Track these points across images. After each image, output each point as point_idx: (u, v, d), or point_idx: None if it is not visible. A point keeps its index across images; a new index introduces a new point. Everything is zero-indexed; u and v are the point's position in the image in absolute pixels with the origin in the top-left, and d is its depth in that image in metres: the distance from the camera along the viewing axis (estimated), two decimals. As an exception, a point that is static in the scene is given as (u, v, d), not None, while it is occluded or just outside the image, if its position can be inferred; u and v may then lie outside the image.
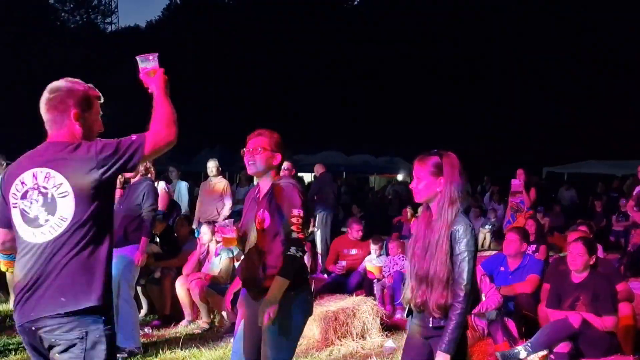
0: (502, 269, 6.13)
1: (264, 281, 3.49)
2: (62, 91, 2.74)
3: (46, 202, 2.62)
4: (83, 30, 47.25)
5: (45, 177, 2.62)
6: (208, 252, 6.98)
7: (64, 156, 2.63)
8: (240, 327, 3.70)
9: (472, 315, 5.25)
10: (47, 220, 2.61)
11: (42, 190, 2.62)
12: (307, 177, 24.57)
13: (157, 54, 2.97)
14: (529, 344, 4.85)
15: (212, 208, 8.97)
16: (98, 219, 2.66)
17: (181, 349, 5.87)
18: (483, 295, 5.37)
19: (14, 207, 2.68)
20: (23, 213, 2.66)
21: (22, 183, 2.67)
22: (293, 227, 3.43)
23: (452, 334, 3.01)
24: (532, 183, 12.02)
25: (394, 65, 35.27)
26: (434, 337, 3.12)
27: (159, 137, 2.68)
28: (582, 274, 5.06)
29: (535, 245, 7.53)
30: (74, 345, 2.60)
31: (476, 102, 32.39)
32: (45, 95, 2.76)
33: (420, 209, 3.35)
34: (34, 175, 2.64)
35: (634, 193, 10.05)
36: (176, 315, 7.02)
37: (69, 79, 2.82)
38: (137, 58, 2.96)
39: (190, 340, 6.23)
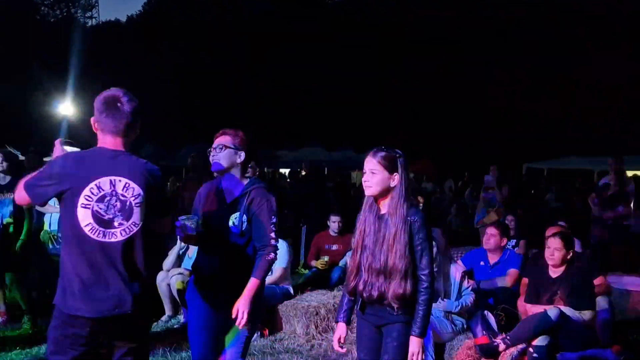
0: (482, 263, 6.19)
1: (228, 279, 3.58)
2: (137, 103, 3.02)
3: (124, 209, 2.92)
4: (63, 25, 46.82)
5: (125, 186, 2.93)
6: (188, 247, 6.96)
7: (141, 169, 2.99)
8: (196, 320, 3.72)
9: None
10: (120, 224, 2.92)
11: (121, 198, 2.93)
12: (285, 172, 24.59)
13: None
14: (508, 338, 4.90)
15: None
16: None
17: (162, 344, 5.85)
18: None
19: (85, 207, 2.89)
20: (96, 214, 2.90)
21: (99, 188, 2.90)
22: (272, 234, 3.55)
23: (423, 319, 3.18)
24: (507, 180, 12.15)
25: (373, 61, 35.33)
26: (387, 324, 3.24)
27: None
28: (560, 269, 5.13)
29: (515, 240, 7.60)
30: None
31: (456, 97, 32.53)
32: (129, 100, 2.99)
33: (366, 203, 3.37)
34: (111, 182, 2.91)
35: (599, 184, 10.13)
36: (156, 311, 6.99)
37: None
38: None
39: (171, 335, 6.21)
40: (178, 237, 3.67)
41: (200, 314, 3.71)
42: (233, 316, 3.44)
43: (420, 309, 3.18)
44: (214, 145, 3.66)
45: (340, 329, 3.47)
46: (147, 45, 36.38)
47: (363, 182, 3.28)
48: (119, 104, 2.95)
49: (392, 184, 3.23)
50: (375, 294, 3.22)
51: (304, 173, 12.92)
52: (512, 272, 5.93)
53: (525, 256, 6.91)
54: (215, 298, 3.65)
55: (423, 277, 3.18)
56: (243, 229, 3.58)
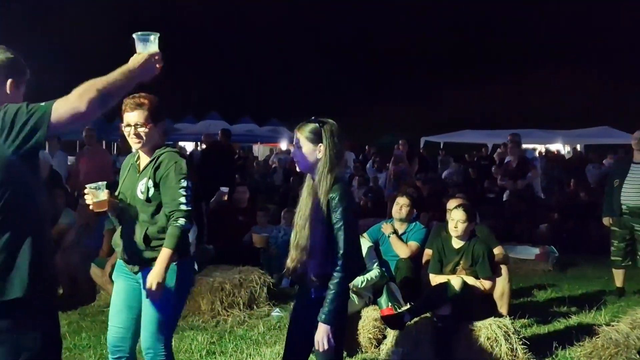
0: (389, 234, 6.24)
1: (144, 252, 3.42)
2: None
3: None
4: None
5: None
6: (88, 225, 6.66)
7: None
8: (116, 300, 3.59)
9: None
10: None
11: None
12: (189, 147, 24.09)
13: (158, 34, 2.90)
14: (413, 308, 4.99)
15: (93, 178, 8.52)
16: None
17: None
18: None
19: None
20: None
21: None
22: (181, 199, 3.34)
23: (331, 304, 3.00)
24: (415, 153, 12.44)
25: (278, 29, 35.11)
26: (315, 307, 3.10)
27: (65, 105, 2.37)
28: (463, 240, 5.26)
29: (416, 213, 7.74)
30: None
31: (357, 72, 32.90)
32: None
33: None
34: None
35: (504, 163, 10.63)
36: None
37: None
38: (135, 36, 2.83)
39: (71, 314, 5.96)
40: (89, 205, 3.44)
41: (119, 293, 3.57)
42: (147, 288, 3.27)
43: (328, 293, 3.00)
44: (129, 121, 3.44)
45: None
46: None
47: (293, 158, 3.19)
48: None
49: (319, 156, 3.10)
50: (299, 271, 3.14)
51: (204, 146, 12.65)
52: (412, 244, 6.02)
53: (427, 229, 7.06)
54: (134, 275, 3.51)
55: (337, 259, 3.00)
56: (149, 195, 3.41)
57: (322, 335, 3.01)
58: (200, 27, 35.22)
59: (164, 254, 3.29)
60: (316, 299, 3.09)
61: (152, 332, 3.44)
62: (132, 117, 3.43)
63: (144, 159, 3.53)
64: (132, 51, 2.75)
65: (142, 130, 3.43)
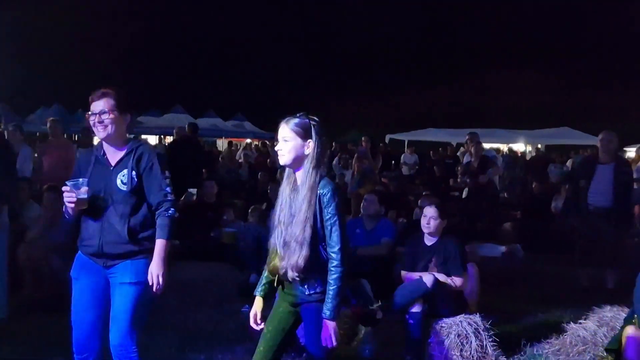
0: (357, 230, 6.27)
1: (126, 245, 3.37)
2: None
3: None
4: None
5: None
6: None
7: None
8: (81, 299, 3.49)
9: None
10: None
11: None
12: (153, 140, 23.82)
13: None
14: (385, 305, 4.99)
15: (58, 171, 8.33)
16: None
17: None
18: None
19: None
20: None
21: None
22: (168, 189, 3.40)
23: (334, 299, 3.03)
24: (378, 150, 12.48)
25: (243, 24, 34.91)
26: (304, 304, 3.11)
27: None
28: (434, 237, 5.28)
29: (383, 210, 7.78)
30: None
31: (323, 68, 32.93)
32: None
33: (280, 174, 3.27)
34: None
35: (465, 163, 10.75)
36: (15, 284, 6.49)
37: None
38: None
39: (36, 309, 5.82)
40: (67, 203, 3.35)
41: (84, 291, 3.48)
42: (150, 283, 3.32)
43: (330, 289, 3.02)
44: (94, 109, 3.42)
45: (256, 303, 3.32)
46: None
47: (277, 151, 3.15)
48: None
49: (306, 152, 3.09)
50: (291, 269, 3.07)
51: (171, 140, 12.50)
52: (387, 241, 6.06)
53: (395, 225, 7.11)
54: (105, 269, 3.44)
55: (333, 254, 3.02)
56: (133, 185, 3.39)
57: (330, 332, 3.04)
58: (164, 20, 34.82)
59: (160, 245, 3.35)
60: (310, 295, 3.09)
61: (123, 329, 3.38)
62: (97, 105, 3.42)
63: (112, 152, 3.48)
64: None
65: (106, 118, 3.40)
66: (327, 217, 3.03)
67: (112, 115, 3.40)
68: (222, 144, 26.83)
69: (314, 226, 3.03)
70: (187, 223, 7.92)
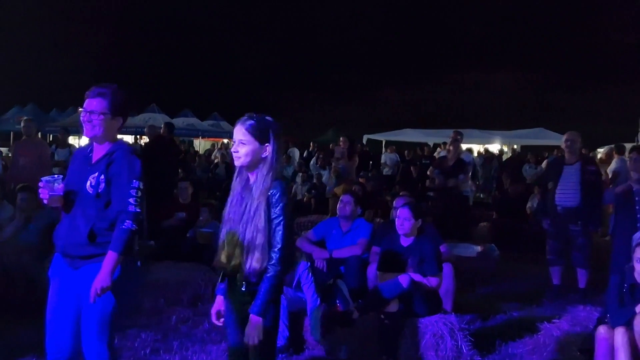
0: (334, 232, 6.26)
1: (87, 248, 3.30)
2: None
3: None
4: None
5: None
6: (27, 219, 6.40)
7: None
8: (53, 301, 3.43)
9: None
10: None
11: None
12: (128, 140, 23.61)
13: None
14: (361, 305, 5.00)
15: (32, 170, 8.21)
16: None
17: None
18: None
19: None
20: None
21: None
22: (131, 200, 3.26)
23: (264, 297, 3.01)
24: (355, 150, 12.48)
25: (221, 23, 34.78)
26: (247, 302, 3.09)
27: None
28: (410, 238, 5.30)
29: (360, 210, 7.78)
30: None
31: (303, 68, 32.92)
32: None
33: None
34: None
35: (440, 158, 10.75)
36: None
37: None
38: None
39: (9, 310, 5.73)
40: (43, 199, 3.29)
41: (57, 293, 3.42)
42: (93, 294, 3.19)
43: (261, 285, 3.01)
44: (87, 107, 3.34)
45: (217, 302, 3.34)
46: None
47: (232, 153, 3.12)
48: None
49: (263, 155, 3.08)
50: (233, 267, 3.10)
51: (146, 140, 12.37)
52: (362, 241, 6.06)
53: (372, 225, 7.10)
54: (75, 270, 3.37)
55: (272, 253, 3.02)
56: (100, 190, 3.30)
57: (253, 328, 3.01)
58: (139, 18, 34.55)
59: (110, 257, 3.22)
60: (247, 292, 3.09)
61: (95, 332, 3.33)
62: (90, 104, 3.35)
63: (97, 152, 3.43)
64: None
65: (95, 119, 3.34)
66: (274, 216, 3.04)
67: (102, 117, 3.33)
68: (199, 143, 26.69)
69: (264, 225, 3.03)
70: (161, 223, 7.90)
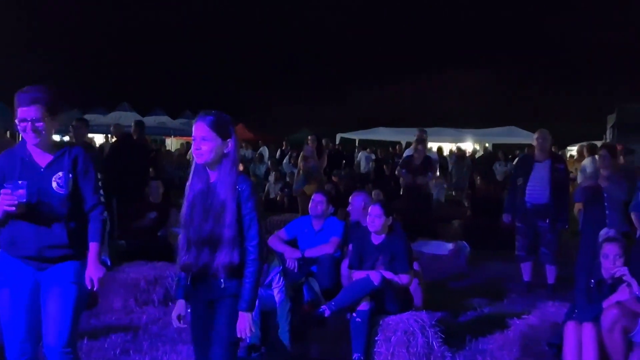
0: (306, 230, 6.24)
1: (63, 249, 3.31)
2: None
3: None
4: None
5: None
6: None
7: None
8: (12, 304, 3.36)
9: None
10: None
11: None
12: (99, 139, 23.32)
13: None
14: (333, 303, 5.00)
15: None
16: None
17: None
18: None
19: None
20: None
21: None
22: (101, 191, 3.40)
23: (251, 292, 3.10)
24: (325, 149, 12.46)
25: (193, 21, 34.57)
26: (219, 299, 3.14)
27: None
28: (381, 236, 5.31)
29: (333, 208, 7.78)
30: None
31: (275, 66, 32.87)
32: None
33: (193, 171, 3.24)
34: None
35: (407, 156, 10.76)
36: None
37: None
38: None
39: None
40: (6, 207, 3.18)
41: (16, 296, 3.35)
42: (89, 287, 3.34)
43: (247, 282, 3.09)
44: (24, 116, 3.24)
45: (179, 305, 3.33)
46: None
47: (193, 150, 3.10)
48: None
49: (226, 150, 3.10)
50: (203, 265, 3.11)
51: (114, 139, 12.20)
52: (334, 240, 6.05)
53: (344, 223, 7.10)
54: (39, 271, 3.35)
55: (251, 248, 3.09)
56: (70, 189, 3.32)
57: (246, 323, 3.09)
58: (110, 16, 34.20)
59: (94, 248, 3.36)
60: (226, 288, 3.12)
61: (58, 332, 3.31)
62: (28, 112, 3.25)
63: (40, 153, 3.36)
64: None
65: (40, 126, 3.27)
66: (246, 212, 3.10)
67: (44, 123, 3.27)
68: (171, 142, 26.48)
69: (233, 222, 3.06)
70: (132, 223, 7.81)
